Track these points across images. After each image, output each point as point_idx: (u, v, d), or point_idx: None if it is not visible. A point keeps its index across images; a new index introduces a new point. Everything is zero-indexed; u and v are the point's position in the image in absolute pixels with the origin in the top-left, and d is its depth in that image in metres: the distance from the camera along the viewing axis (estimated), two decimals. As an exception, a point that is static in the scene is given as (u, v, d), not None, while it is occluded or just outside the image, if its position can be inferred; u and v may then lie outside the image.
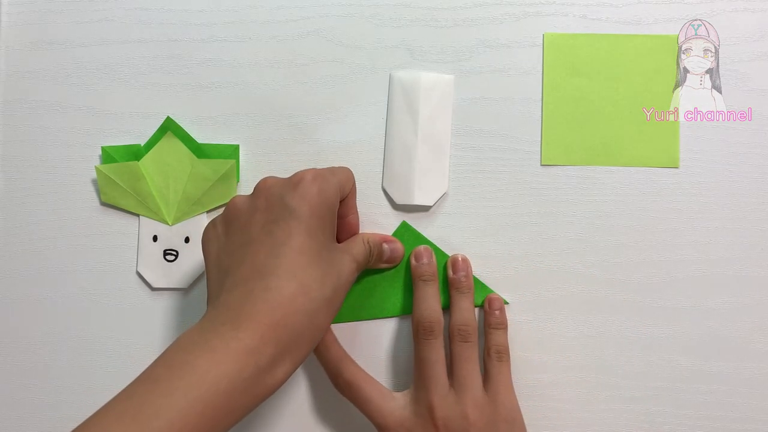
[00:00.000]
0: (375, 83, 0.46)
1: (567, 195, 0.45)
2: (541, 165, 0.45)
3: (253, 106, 0.47)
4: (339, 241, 0.43)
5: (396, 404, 0.41)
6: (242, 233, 0.37)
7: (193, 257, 0.46)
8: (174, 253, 0.46)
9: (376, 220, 0.46)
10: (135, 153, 0.46)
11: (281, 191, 0.37)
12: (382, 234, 0.45)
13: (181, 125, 0.46)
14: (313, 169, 0.39)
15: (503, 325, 0.43)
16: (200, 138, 0.46)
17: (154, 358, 0.45)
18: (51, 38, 0.47)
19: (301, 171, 0.38)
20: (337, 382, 0.42)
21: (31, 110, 0.47)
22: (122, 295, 0.46)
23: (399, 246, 0.44)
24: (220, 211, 0.46)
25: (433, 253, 0.44)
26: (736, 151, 0.45)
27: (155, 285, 0.46)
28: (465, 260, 0.44)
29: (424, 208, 0.46)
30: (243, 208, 0.38)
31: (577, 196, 0.45)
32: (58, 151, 0.47)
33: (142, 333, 0.46)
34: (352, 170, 0.42)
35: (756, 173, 0.45)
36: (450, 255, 0.45)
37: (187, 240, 0.46)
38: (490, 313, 0.43)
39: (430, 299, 0.43)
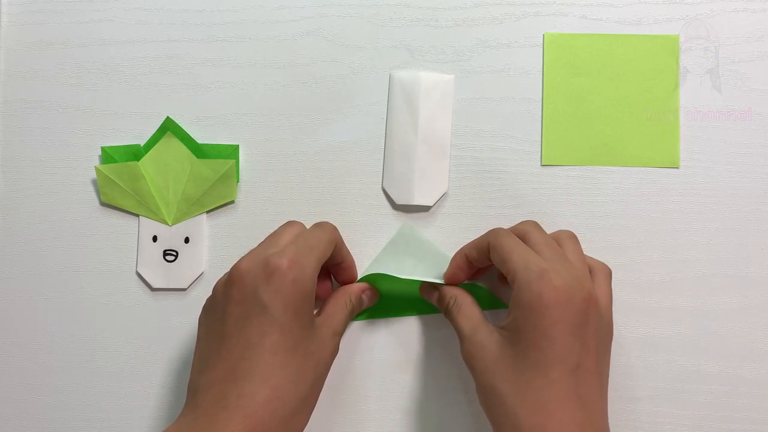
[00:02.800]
0: (375, 83, 0.46)
1: (567, 195, 0.45)
2: (541, 165, 0.45)
3: (253, 106, 0.47)
4: (339, 279, 0.44)
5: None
6: (219, 325, 0.37)
7: (192, 257, 0.46)
8: (174, 253, 0.46)
9: (376, 220, 0.46)
10: (135, 153, 0.46)
11: (255, 282, 0.36)
12: (358, 284, 0.44)
13: (181, 125, 0.46)
14: (289, 245, 0.38)
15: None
16: (200, 138, 0.46)
17: (154, 358, 0.45)
18: (51, 38, 0.47)
19: (276, 251, 0.37)
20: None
21: (31, 110, 0.47)
22: (122, 295, 0.46)
23: (375, 291, 0.44)
24: (220, 211, 0.46)
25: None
26: (736, 151, 0.45)
27: (155, 285, 0.46)
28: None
29: (424, 208, 0.46)
30: (219, 299, 0.38)
31: (577, 196, 0.45)
32: (58, 151, 0.47)
33: (142, 333, 0.46)
34: (334, 225, 0.42)
35: (756, 173, 0.45)
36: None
37: (186, 240, 0.46)
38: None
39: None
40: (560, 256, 0.38)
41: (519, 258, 0.37)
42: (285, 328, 0.36)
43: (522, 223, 0.42)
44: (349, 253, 0.44)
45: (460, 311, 0.40)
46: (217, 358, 0.36)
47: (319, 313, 0.41)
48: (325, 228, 0.41)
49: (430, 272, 0.44)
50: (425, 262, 0.44)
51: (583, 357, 0.36)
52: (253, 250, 0.39)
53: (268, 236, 0.41)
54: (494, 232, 0.40)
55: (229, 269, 0.39)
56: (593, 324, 0.36)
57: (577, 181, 0.45)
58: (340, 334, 0.40)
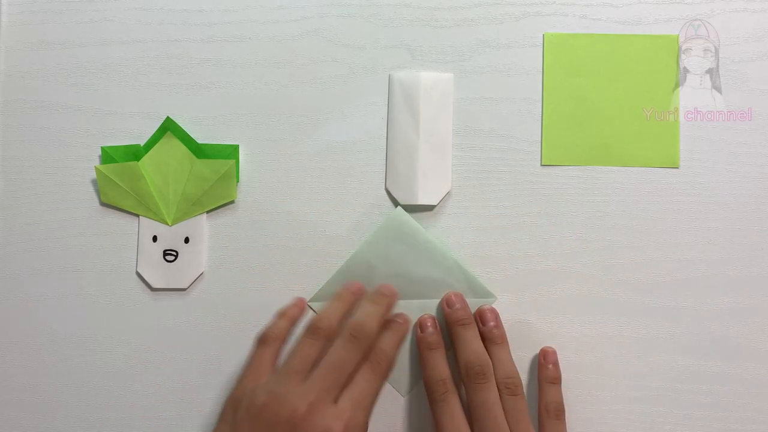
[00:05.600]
0: (375, 83, 0.46)
1: (567, 195, 0.45)
2: (541, 165, 0.45)
3: (253, 106, 0.47)
4: None
5: None
6: None
7: (192, 257, 0.46)
8: (174, 253, 0.46)
9: (376, 220, 0.46)
10: (135, 153, 0.46)
11: None
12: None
13: (181, 125, 0.46)
14: (346, 404, 0.36)
15: (558, 380, 0.42)
16: (200, 138, 0.46)
17: (154, 358, 0.45)
18: (51, 38, 0.47)
19: (335, 417, 0.35)
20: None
21: (31, 110, 0.47)
22: (122, 295, 0.46)
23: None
24: (220, 211, 0.46)
25: (465, 297, 0.43)
26: (736, 151, 0.45)
27: (155, 285, 0.46)
28: (493, 311, 0.43)
29: (428, 208, 0.46)
30: (263, 424, 0.35)
31: (577, 196, 0.45)
32: (58, 151, 0.47)
33: (142, 333, 0.46)
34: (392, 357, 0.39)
35: (756, 173, 0.45)
36: (477, 307, 0.43)
37: (186, 240, 0.46)
38: (545, 367, 0.42)
39: (474, 341, 0.41)
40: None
41: None
42: None
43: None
44: None
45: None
46: None
47: None
48: (383, 371, 0.38)
49: (419, 262, 0.44)
50: (415, 249, 0.44)
51: None
52: (311, 387, 0.36)
53: (327, 364, 0.37)
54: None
55: (282, 370, 0.37)
56: None
57: (577, 181, 0.45)
58: None
